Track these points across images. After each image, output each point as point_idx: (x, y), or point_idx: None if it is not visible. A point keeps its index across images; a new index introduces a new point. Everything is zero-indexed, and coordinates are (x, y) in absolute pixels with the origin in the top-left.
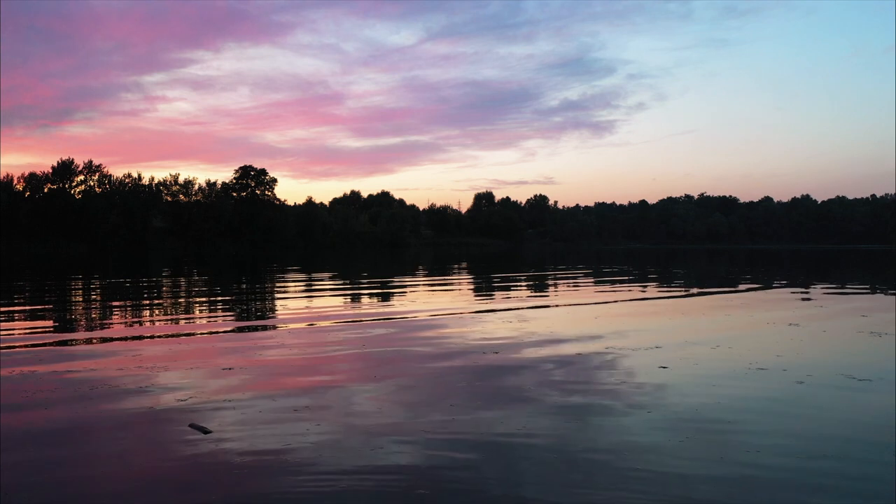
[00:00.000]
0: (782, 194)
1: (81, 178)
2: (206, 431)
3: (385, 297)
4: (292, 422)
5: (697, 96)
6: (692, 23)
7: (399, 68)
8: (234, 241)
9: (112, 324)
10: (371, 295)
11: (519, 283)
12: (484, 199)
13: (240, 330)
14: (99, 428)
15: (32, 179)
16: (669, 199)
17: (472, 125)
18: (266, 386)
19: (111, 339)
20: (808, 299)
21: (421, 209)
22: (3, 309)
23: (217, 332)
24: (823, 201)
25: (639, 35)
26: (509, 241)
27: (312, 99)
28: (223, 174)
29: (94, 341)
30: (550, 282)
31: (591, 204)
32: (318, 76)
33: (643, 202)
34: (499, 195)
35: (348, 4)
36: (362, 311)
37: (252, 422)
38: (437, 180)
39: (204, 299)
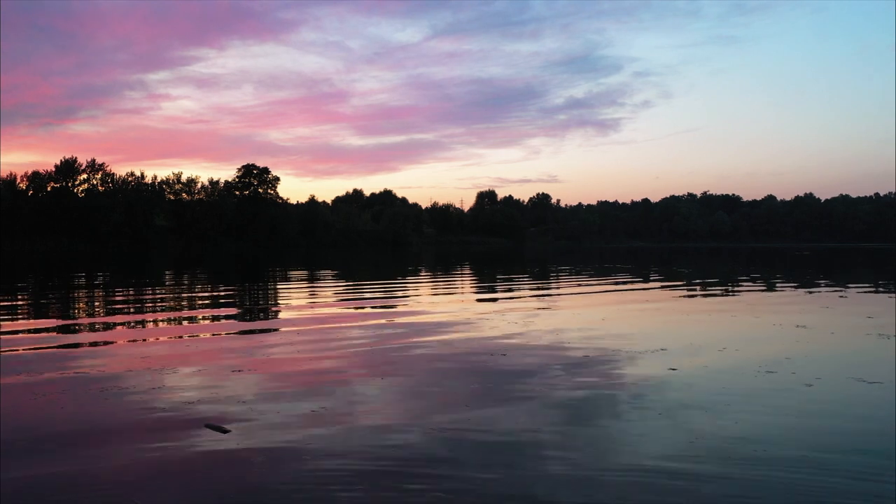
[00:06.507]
0: (785, 192)
1: (84, 176)
2: (224, 431)
3: (389, 297)
4: (308, 421)
5: (703, 94)
6: (699, 20)
7: (404, 66)
8: (237, 239)
9: (117, 324)
10: (375, 295)
11: (523, 284)
12: (486, 198)
13: (246, 330)
14: (113, 430)
15: (35, 178)
16: (672, 197)
17: (477, 123)
18: (277, 386)
19: (118, 341)
20: (814, 300)
21: (424, 207)
22: (6, 310)
23: (223, 333)
24: (826, 200)
25: (645, 32)
26: (511, 240)
27: (316, 97)
28: (226, 172)
29: (101, 343)
30: (554, 282)
31: (594, 202)
32: (323, 74)
33: (646, 200)
34: (502, 193)
35: (353, 2)
36: (367, 312)
37: (267, 421)
38: (440, 178)
39: (207, 300)
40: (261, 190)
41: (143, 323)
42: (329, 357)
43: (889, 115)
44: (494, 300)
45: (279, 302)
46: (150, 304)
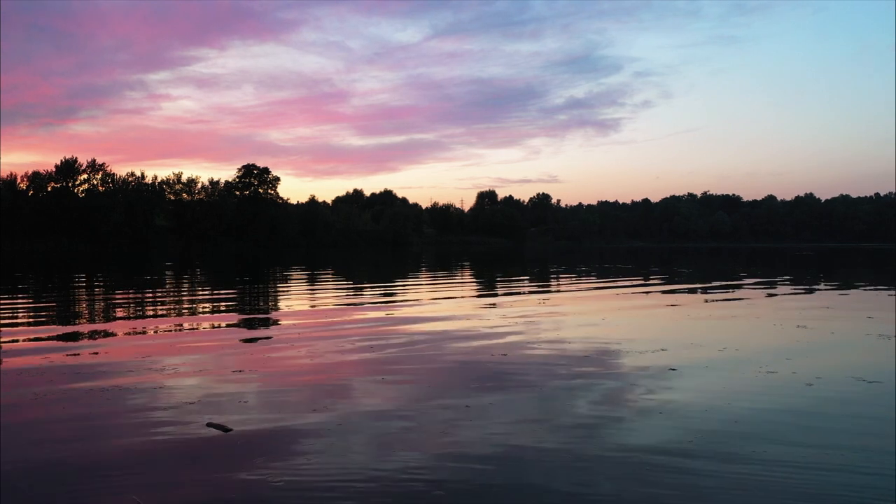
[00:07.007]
0: (786, 192)
1: (84, 176)
2: (225, 430)
3: (389, 298)
4: (308, 421)
5: (703, 94)
6: (699, 20)
7: (404, 66)
8: (237, 239)
9: (118, 326)
10: (375, 295)
11: (523, 284)
12: (486, 198)
13: (247, 331)
14: (115, 429)
15: (36, 178)
16: (672, 197)
17: (477, 123)
18: (278, 386)
19: (119, 341)
20: (814, 300)
21: (424, 207)
22: (7, 311)
23: (224, 334)
24: (826, 200)
25: (646, 32)
26: (511, 240)
27: (317, 97)
28: (227, 172)
29: (102, 344)
30: (555, 283)
31: (595, 202)
32: (323, 74)
33: (646, 200)
34: (502, 193)
35: (353, 2)
36: (368, 312)
37: (269, 421)
38: (440, 178)
39: (208, 300)
40: (261, 190)
41: (143, 324)
42: (330, 358)
43: (889, 115)
44: (495, 300)
45: (280, 303)
46: (151, 305)
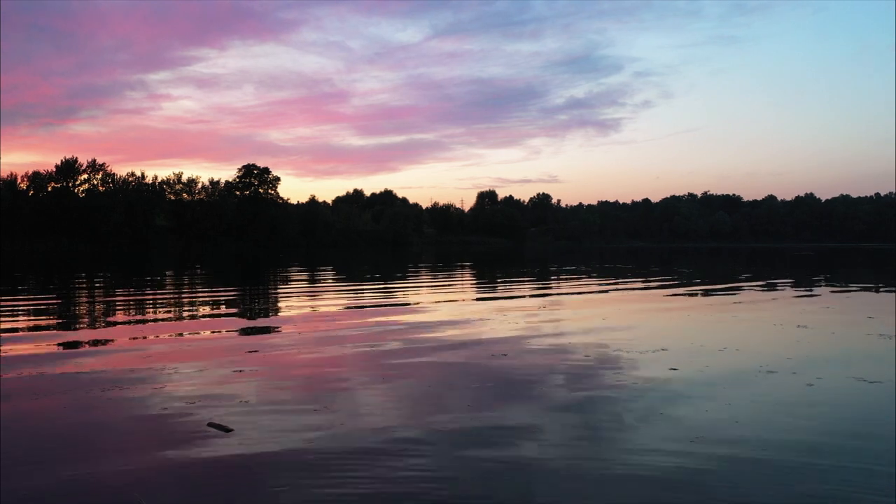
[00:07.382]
0: (786, 192)
1: (85, 176)
2: (226, 430)
3: (390, 298)
4: (309, 421)
5: (703, 94)
6: (700, 20)
7: (404, 66)
8: (237, 239)
9: (118, 325)
10: (376, 295)
11: (523, 284)
12: (487, 198)
13: (247, 330)
14: (115, 430)
15: (36, 178)
16: (673, 197)
17: (477, 123)
18: (279, 386)
19: (119, 342)
20: (815, 300)
21: (424, 207)
22: (7, 310)
23: (225, 334)
24: (827, 200)
25: (646, 32)
26: (512, 240)
27: (317, 97)
28: (227, 172)
29: (102, 343)
30: (555, 283)
31: (595, 202)
32: (323, 74)
33: (646, 200)
34: (502, 193)
35: (354, 2)
36: (368, 312)
37: (269, 421)
38: (440, 178)
39: (208, 300)
40: (261, 190)
41: (144, 324)
42: (330, 358)
43: (889, 115)
44: (495, 300)
45: (280, 302)
46: (151, 305)
